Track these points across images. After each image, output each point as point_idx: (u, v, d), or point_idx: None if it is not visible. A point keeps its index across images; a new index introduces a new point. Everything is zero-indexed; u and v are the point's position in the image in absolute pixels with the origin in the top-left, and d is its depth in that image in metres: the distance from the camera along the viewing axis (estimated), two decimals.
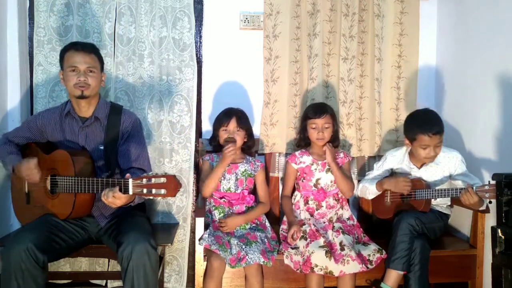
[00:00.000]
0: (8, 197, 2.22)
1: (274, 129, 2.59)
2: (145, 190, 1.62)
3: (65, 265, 2.50)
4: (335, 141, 2.34)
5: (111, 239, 1.94)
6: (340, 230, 2.11)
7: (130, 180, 1.65)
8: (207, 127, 2.65)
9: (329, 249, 2.01)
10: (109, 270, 2.51)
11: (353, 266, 1.97)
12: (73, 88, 1.96)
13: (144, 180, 1.63)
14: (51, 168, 1.94)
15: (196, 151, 2.58)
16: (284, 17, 2.56)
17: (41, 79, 2.46)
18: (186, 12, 2.53)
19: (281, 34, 2.57)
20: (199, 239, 2.08)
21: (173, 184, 1.60)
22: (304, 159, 2.34)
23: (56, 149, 1.95)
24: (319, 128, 2.26)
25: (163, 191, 1.60)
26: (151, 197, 1.63)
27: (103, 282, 2.56)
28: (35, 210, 1.97)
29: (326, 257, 1.98)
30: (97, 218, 2.01)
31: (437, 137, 2.15)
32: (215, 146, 2.33)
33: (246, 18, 2.63)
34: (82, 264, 2.52)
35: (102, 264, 2.53)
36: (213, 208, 2.24)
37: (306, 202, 2.30)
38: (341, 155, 2.35)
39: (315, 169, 2.31)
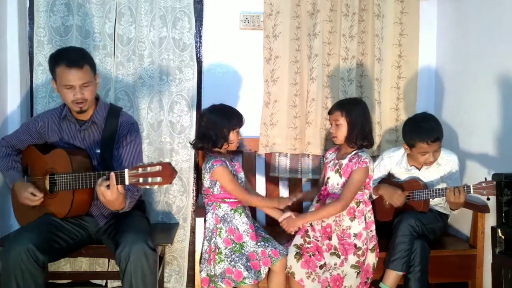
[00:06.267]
0: (8, 197, 2.22)
1: (274, 129, 2.59)
2: (141, 179, 1.61)
3: (65, 265, 2.49)
4: (354, 141, 2.05)
5: (109, 239, 1.94)
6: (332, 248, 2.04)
7: (126, 170, 1.65)
8: None
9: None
10: (109, 270, 2.51)
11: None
12: (71, 104, 1.94)
13: (140, 169, 1.62)
14: (49, 168, 1.95)
15: (196, 151, 2.58)
16: (284, 17, 2.56)
17: (41, 79, 2.46)
18: (186, 12, 2.53)
19: (281, 34, 2.57)
20: (213, 279, 1.95)
21: (168, 171, 1.59)
22: (330, 155, 2.22)
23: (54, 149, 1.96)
24: (332, 125, 2.12)
25: (159, 179, 1.59)
26: (147, 187, 1.62)
27: (103, 282, 2.56)
28: (34, 210, 1.97)
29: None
30: (96, 217, 2.00)
31: (436, 143, 2.13)
32: (217, 147, 2.06)
33: (246, 18, 2.63)
34: (82, 264, 2.52)
35: (102, 264, 2.53)
36: (232, 212, 2.05)
37: (318, 200, 2.19)
38: (346, 161, 2.07)
39: (329, 166, 2.18)
